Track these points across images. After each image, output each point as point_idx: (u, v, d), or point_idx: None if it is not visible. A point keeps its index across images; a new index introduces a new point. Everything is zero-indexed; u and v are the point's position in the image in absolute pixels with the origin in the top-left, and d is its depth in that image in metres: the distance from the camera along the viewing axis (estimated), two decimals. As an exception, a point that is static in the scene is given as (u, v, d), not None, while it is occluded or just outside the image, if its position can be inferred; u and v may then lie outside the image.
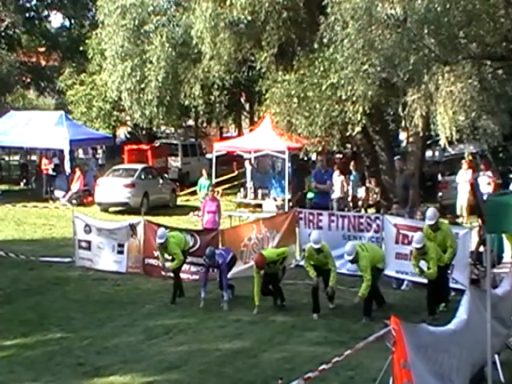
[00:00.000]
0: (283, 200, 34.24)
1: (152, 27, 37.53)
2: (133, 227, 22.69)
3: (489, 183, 30.73)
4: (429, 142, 35.00)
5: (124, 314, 17.27)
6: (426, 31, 25.33)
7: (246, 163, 38.01)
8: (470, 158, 34.19)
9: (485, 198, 12.51)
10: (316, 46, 29.22)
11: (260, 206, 34.76)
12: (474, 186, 20.59)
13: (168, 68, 36.99)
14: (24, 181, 47.14)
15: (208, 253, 19.48)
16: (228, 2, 30.93)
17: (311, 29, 30.24)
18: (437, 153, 41.09)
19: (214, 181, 34.70)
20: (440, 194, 33.46)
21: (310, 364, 10.19)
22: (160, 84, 37.12)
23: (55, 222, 29.96)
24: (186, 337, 15.73)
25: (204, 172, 32.36)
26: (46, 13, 59.42)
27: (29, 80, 58.36)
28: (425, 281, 20.14)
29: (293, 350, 14.72)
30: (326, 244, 18.47)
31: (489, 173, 31.56)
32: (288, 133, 33.88)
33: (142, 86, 38.00)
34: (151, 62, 37.03)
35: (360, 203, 32.41)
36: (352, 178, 30.47)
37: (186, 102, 39.18)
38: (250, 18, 31.13)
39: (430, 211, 19.25)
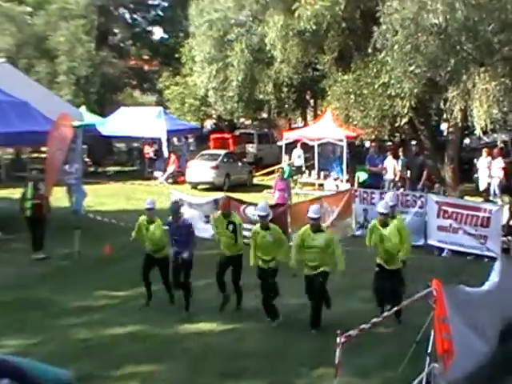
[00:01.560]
0: (342, 180, 34.16)
1: (233, 37, 37.90)
2: (216, 202, 22.52)
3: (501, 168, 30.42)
4: (466, 132, 34.62)
5: (206, 271, 16.95)
6: (464, 37, 25.89)
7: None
8: (502, 145, 34.03)
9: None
10: (370, 50, 29.46)
11: (322, 185, 34.65)
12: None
13: (246, 70, 37.28)
14: (130, 163, 47.62)
15: (173, 206, 15.75)
16: (296, 15, 31.06)
17: (366, 36, 30.25)
18: (473, 141, 40.48)
19: (282, 165, 34.58)
20: (475, 175, 32.69)
21: (364, 318, 9.74)
22: (239, 83, 37.58)
23: (155, 196, 29.78)
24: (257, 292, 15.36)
25: (286, 158, 32.13)
26: (149, 28, 60.13)
27: (135, 82, 59.14)
28: (463, 249, 19.98)
29: (349, 306, 14.34)
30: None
31: (499, 159, 30.95)
32: (346, 124, 34.28)
33: (225, 85, 38.69)
34: (232, 66, 37.43)
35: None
36: (400, 162, 30.03)
37: (261, 98, 39.69)
38: (314, 27, 31.25)
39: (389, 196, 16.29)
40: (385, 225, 13.82)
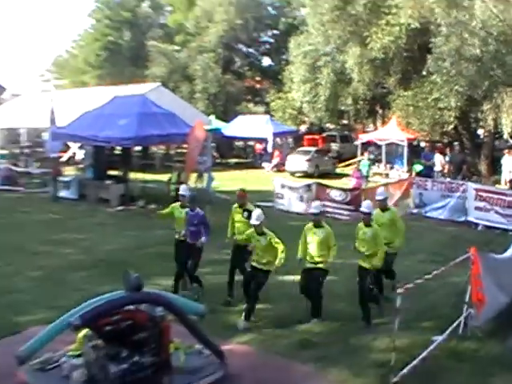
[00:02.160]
0: (403, 171, 33.74)
1: (322, 63, 38.28)
2: (309, 186, 22.51)
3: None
4: (497, 136, 34.15)
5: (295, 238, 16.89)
6: (495, 65, 26.51)
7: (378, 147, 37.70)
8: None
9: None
10: (424, 73, 30.54)
11: (388, 174, 34.24)
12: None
13: (331, 88, 37.39)
14: (245, 156, 47.95)
15: (190, 195, 13.27)
16: (369, 47, 31.28)
17: (421, 62, 30.91)
18: (501, 143, 39.24)
19: (358, 159, 34.36)
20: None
21: (418, 275, 9.67)
22: (326, 98, 37.90)
23: (263, 181, 29.94)
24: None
25: (366, 154, 31.85)
26: (260, 57, 60.47)
27: (249, 97, 59.44)
28: (493, 224, 19.64)
29: (407, 265, 14.13)
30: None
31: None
32: (406, 128, 34.49)
33: (315, 99, 38.97)
34: (321, 84, 37.77)
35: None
36: (446, 158, 29.50)
37: (342, 108, 39.86)
38: (382, 56, 31.65)
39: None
40: (368, 224, 11.20)
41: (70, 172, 29.57)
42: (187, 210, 12.62)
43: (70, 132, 26.03)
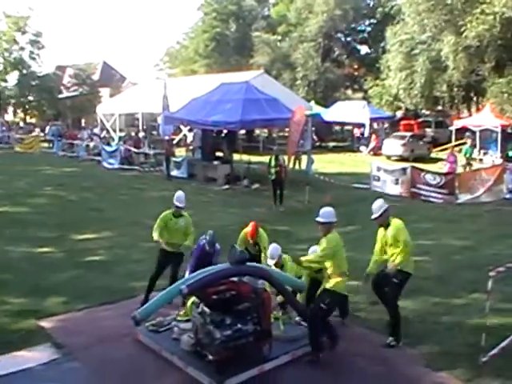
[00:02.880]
0: (496, 156, 32.35)
1: (417, 51, 37.17)
2: (404, 169, 21.97)
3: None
4: None
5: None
6: None
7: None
8: None
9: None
10: None
11: (481, 160, 32.97)
12: None
13: (426, 75, 36.58)
14: (343, 140, 47.49)
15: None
16: (463, 35, 30.02)
17: None
18: None
19: (453, 143, 33.23)
20: None
21: (510, 258, 9.28)
22: (422, 85, 36.78)
23: (360, 164, 29.54)
24: (428, 235, 14.81)
25: (468, 140, 30.77)
26: (358, 46, 59.54)
27: (347, 84, 58.77)
28: None
29: (497, 249, 13.60)
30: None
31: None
32: (500, 115, 32.99)
33: (411, 86, 37.79)
34: (416, 72, 36.74)
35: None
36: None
37: (437, 95, 38.67)
38: (477, 44, 30.00)
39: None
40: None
41: (181, 153, 30.23)
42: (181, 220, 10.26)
43: (181, 116, 26.70)
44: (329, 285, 8.10)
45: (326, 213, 8.52)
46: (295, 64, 52.19)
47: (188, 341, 8.16)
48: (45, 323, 9.46)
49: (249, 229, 10.34)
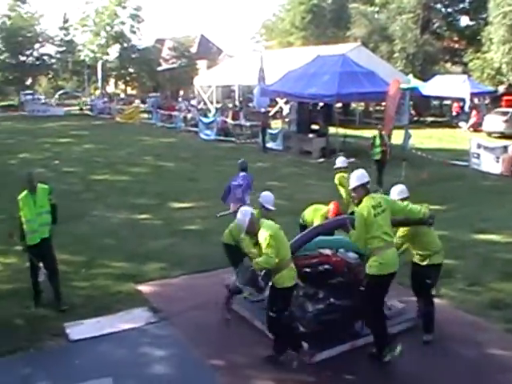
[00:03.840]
0: None
1: None
2: (506, 147, 20.97)
3: None
4: None
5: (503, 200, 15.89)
6: None
7: None
8: None
9: None
10: None
11: None
12: None
13: None
14: (442, 115, 45.96)
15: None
16: None
17: None
18: None
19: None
20: None
21: None
22: None
23: (459, 140, 28.50)
24: None
25: None
26: (458, 17, 57.11)
27: (447, 57, 56.62)
28: None
29: None
30: None
31: None
32: None
33: None
34: None
35: None
36: None
37: None
38: None
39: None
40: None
41: (276, 125, 30.21)
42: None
43: (277, 89, 26.67)
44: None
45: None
46: (393, 36, 50.88)
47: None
48: (142, 287, 9.74)
49: (331, 207, 9.83)
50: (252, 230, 7.07)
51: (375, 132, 18.70)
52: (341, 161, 12.64)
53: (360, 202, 7.26)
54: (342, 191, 12.06)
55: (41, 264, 8.93)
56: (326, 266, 8.00)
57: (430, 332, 7.82)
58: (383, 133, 18.23)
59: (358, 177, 7.36)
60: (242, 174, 11.71)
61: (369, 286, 7.20)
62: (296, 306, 7.75)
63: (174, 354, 6.45)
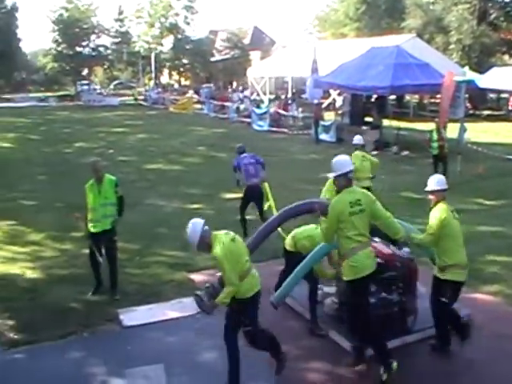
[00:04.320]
0: None
1: None
2: None
3: None
4: None
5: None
6: None
7: None
8: None
9: None
10: None
11: None
12: None
13: None
14: (498, 109, 44.80)
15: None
16: None
17: None
18: None
19: None
20: None
21: None
22: None
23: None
24: None
25: None
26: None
27: (504, 49, 55.06)
28: None
29: None
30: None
31: None
32: None
33: None
34: None
35: None
36: None
37: None
38: None
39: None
40: None
41: (329, 117, 30.02)
42: None
43: (330, 80, 26.53)
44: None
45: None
46: (448, 27, 49.88)
47: (331, 305, 8.11)
48: (195, 276, 9.83)
49: None
50: (203, 248, 6.40)
51: (432, 125, 18.36)
52: (358, 138, 13.46)
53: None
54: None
55: (101, 253, 9.04)
56: (378, 260, 7.88)
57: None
58: (440, 127, 17.81)
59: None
60: (244, 155, 12.41)
61: (349, 294, 6.70)
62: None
63: (224, 344, 6.48)
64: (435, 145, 17.38)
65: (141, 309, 8.61)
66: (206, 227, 6.43)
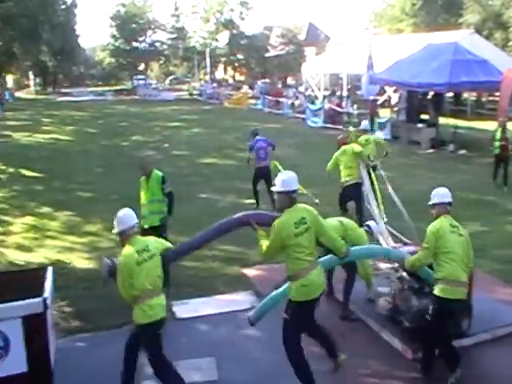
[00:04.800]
0: None
1: None
2: None
3: None
4: None
5: None
6: None
7: None
8: None
9: None
10: None
11: None
12: None
13: None
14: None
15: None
16: None
17: None
18: None
19: None
20: None
21: None
22: None
23: None
24: None
25: None
26: None
27: None
28: None
29: None
30: None
31: None
32: None
33: None
34: None
35: None
36: None
37: None
38: None
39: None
40: None
41: (385, 114, 29.68)
42: None
43: (386, 77, 26.16)
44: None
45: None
46: (508, 23, 48.55)
47: (384, 305, 8.03)
48: (248, 271, 9.88)
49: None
50: (121, 240, 6.22)
51: (492, 124, 17.94)
52: (365, 124, 14.82)
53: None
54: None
55: None
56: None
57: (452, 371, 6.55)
58: (506, 126, 17.26)
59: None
60: (257, 137, 14.31)
61: (292, 315, 6.17)
62: (401, 299, 7.61)
63: (275, 340, 6.46)
64: (497, 144, 16.76)
65: (194, 301, 8.71)
66: (136, 224, 6.26)
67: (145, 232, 9.03)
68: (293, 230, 5.99)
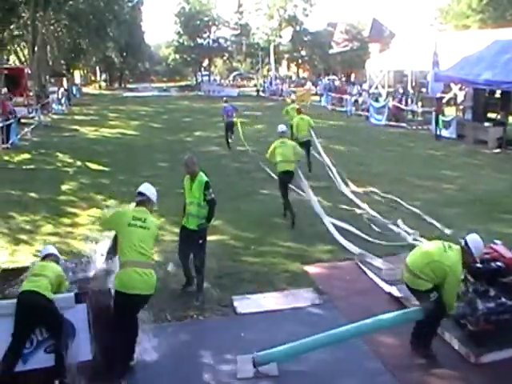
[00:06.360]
0: None
1: None
2: None
3: None
4: None
5: None
6: None
7: None
8: None
9: None
10: None
11: None
12: None
13: None
14: None
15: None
16: None
17: None
18: None
19: None
20: None
21: None
22: None
23: None
24: None
25: None
26: None
27: None
28: None
29: None
30: None
31: None
32: None
33: None
34: None
35: None
36: None
37: None
38: None
39: None
40: None
41: (450, 112, 29.09)
42: None
43: (451, 74, 25.68)
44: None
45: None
46: None
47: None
48: (309, 268, 9.83)
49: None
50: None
51: None
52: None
53: None
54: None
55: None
56: (499, 264, 7.59)
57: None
58: None
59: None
60: (226, 104, 23.02)
61: (114, 301, 6.44)
62: (465, 302, 7.45)
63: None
64: None
65: (254, 297, 8.73)
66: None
67: (183, 231, 8.87)
68: (129, 219, 6.60)
